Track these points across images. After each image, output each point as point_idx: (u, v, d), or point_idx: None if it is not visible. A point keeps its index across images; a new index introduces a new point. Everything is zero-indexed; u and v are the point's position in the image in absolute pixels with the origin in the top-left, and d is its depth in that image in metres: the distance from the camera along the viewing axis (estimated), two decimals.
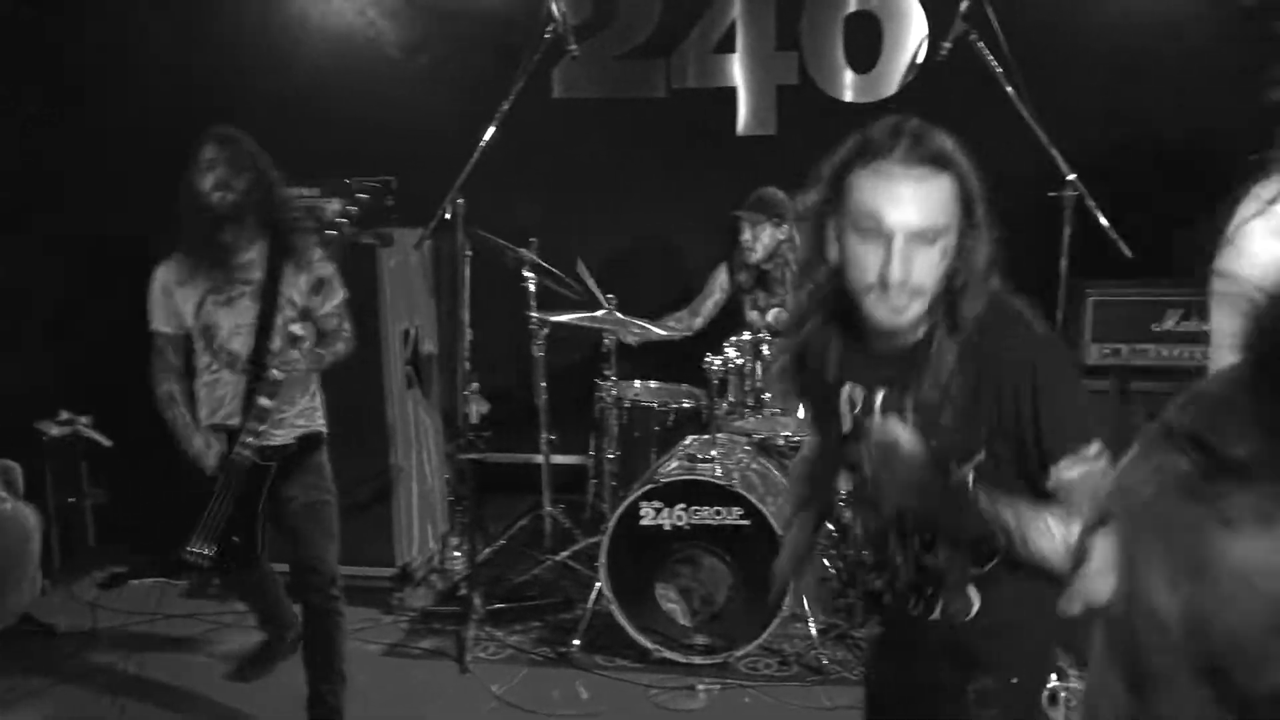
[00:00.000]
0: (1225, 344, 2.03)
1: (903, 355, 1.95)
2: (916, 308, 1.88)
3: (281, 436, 3.47)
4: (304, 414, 3.53)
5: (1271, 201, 1.97)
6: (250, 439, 3.35)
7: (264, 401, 3.32)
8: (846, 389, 2.05)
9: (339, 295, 3.51)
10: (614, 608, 4.08)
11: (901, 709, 2.19)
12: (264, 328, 3.37)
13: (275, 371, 3.29)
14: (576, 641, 4.19)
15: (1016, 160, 4.68)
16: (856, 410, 2.04)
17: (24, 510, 4.28)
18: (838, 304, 1.98)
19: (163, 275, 3.45)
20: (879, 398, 2.00)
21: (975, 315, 1.90)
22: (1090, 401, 2.01)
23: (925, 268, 1.85)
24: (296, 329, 3.33)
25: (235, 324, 3.40)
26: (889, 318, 1.88)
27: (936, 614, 2.05)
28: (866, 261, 1.85)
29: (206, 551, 3.34)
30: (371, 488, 4.66)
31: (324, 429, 3.61)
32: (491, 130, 4.30)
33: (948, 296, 1.90)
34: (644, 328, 4.67)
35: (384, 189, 4.65)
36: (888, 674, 2.26)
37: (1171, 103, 4.91)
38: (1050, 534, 1.77)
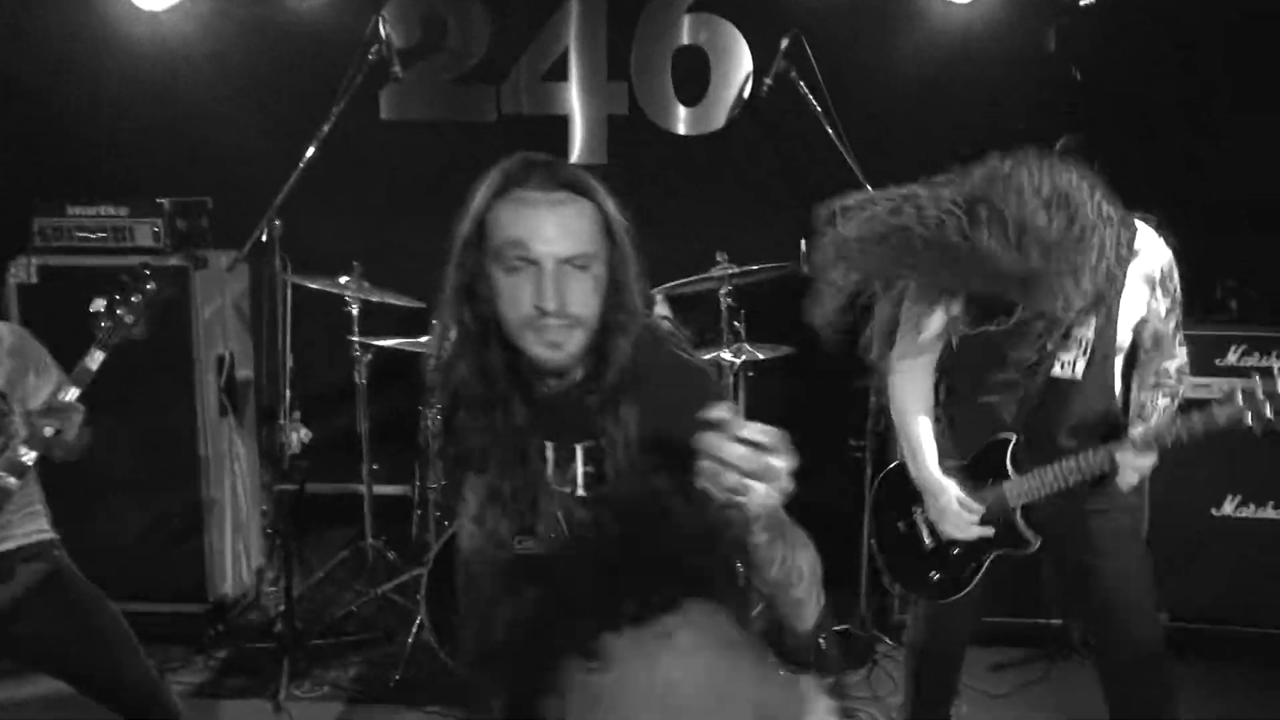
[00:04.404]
0: None
1: (567, 401, 1.87)
2: (577, 339, 1.80)
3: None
4: (29, 514, 2.78)
5: None
6: None
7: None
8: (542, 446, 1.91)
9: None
10: (434, 641, 3.99)
11: None
12: None
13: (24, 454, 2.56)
14: (397, 677, 4.09)
15: (836, 195, 4.85)
16: (550, 471, 1.91)
17: None
18: (487, 351, 1.86)
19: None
20: (579, 452, 1.90)
21: (631, 351, 1.85)
22: None
23: (580, 297, 1.78)
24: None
25: None
26: (548, 354, 1.79)
27: None
28: (518, 295, 1.77)
29: None
30: (182, 520, 4.44)
31: (53, 534, 2.86)
32: (311, 151, 4.19)
33: (604, 333, 1.83)
34: None
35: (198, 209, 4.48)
36: None
37: (986, 139, 5.11)
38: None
